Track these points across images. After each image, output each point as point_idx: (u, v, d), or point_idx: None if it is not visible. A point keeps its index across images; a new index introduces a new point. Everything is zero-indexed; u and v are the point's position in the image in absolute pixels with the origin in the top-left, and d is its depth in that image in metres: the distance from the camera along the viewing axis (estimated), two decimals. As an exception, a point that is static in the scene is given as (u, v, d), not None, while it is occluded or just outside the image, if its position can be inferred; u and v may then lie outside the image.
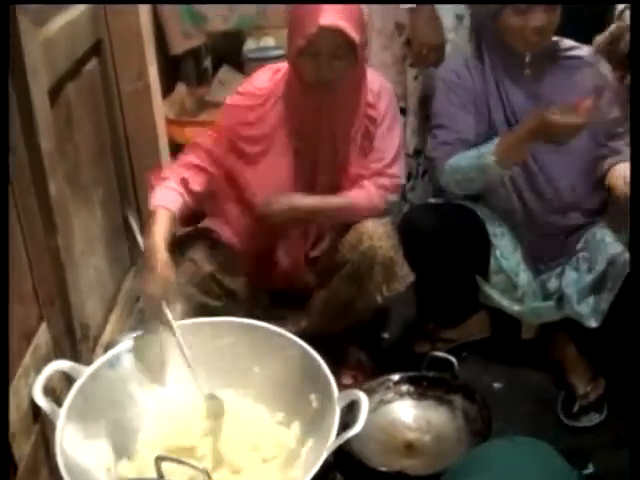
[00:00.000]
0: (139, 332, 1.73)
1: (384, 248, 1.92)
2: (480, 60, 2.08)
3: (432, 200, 2.31)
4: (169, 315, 1.70)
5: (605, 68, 2.09)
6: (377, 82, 2.00)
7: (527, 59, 2.01)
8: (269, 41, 3.64)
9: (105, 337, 1.95)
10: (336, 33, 1.79)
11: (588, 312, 1.98)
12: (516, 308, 2.11)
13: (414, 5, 2.22)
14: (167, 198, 1.87)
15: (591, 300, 1.98)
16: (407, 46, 2.36)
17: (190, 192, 1.93)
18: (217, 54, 3.72)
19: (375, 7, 2.38)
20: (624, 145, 2.02)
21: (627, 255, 1.90)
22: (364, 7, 2.00)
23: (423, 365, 2.03)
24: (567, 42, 2.11)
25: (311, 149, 1.98)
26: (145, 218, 2.06)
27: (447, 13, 2.31)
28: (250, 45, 3.87)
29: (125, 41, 2.15)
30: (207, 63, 3.69)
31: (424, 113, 2.42)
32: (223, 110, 2.05)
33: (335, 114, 1.94)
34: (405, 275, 1.96)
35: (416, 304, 2.28)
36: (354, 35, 1.80)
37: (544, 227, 2.11)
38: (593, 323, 1.97)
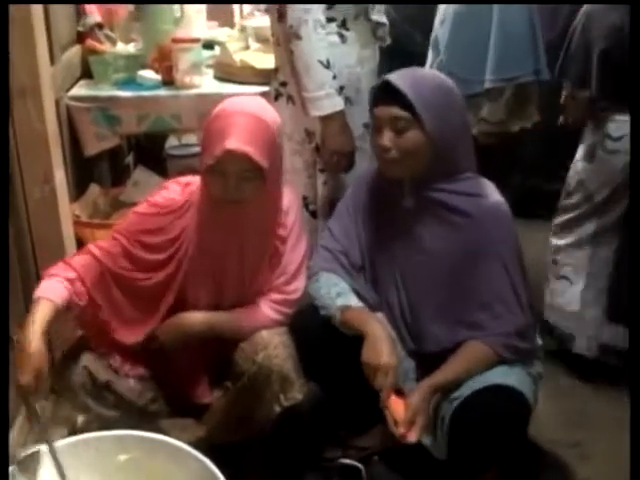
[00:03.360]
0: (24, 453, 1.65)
1: (280, 357, 1.91)
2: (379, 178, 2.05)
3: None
4: (38, 410, 1.65)
5: (498, 228, 1.91)
6: (286, 199, 2.02)
7: (406, 188, 1.95)
8: (191, 138, 3.70)
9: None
10: (242, 157, 1.79)
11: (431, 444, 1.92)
12: None
13: (329, 111, 2.28)
14: (50, 289, 1.81)
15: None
16: (316, 152, 2.42)
17: (80, 288, 1.87)
18: (139, 151, 3.77)
19: (286, 115, 2.43)
20: (490, 319, 1.88)
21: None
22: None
23: (332, 472, 2.00)
24: (473, 185, 1.94)
25: (218, 264, 1.98)
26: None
27: (356, 122, 2.37)
28: (172, 142, 3.93)
29: (31, 146, 2.14)
30: (129, 160, 3.73)
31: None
32: (129, 217, 2.02)
33: (244, 232, 1.95)
34: (304, 383, 1.94)
35: (326, 410, 2.25)
36: (261, 160, 1.80)
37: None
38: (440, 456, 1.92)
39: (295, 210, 2.04)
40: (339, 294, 1.97)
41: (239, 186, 1.84)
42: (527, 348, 1.92)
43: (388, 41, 2.48)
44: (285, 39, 2.31)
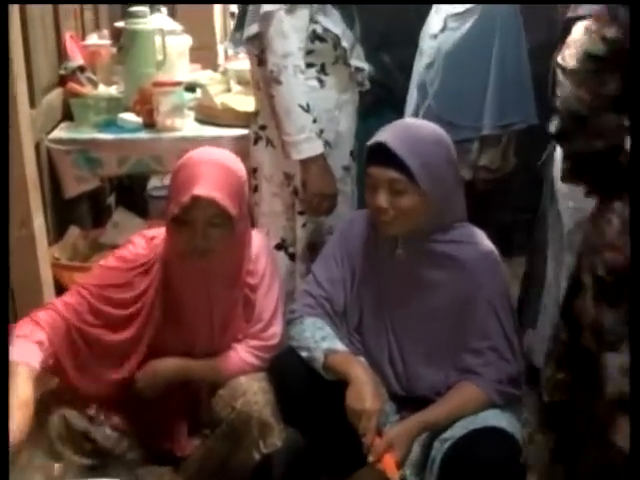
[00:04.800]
0: None
1: (259, 403, 1.89)
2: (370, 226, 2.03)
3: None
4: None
5: (490, 276, 1.92)
6: (255, 245, 2.01)
7: (399, 240, 1.95)
8: (172, 178, 3.70)
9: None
10: (210, 203, 1.79)
11: None
12: None
13: (309, 155, 2.30)
14: (27, 353, 1.76)
15: None
16: (295, 195, 2.43)
17: (49, 349, 1.83)
18: (121, 191, 3.76)
19: (265, 158, 2.44)
20: (482, 366, 1.88)
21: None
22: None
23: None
24: (464, 234, 1.96)
25: (187, 318, 1.96)
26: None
27: (335, 165, 2.40)
28: (154, 183, 3.94)
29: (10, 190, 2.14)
30: (111, 200, 3.72)
31: (312, 260, 2.45)
32: (95, 271, 2.00)
33: (212, 284, 1.94)
34: (283, 429, 1.92)
35: (307, 455, 2.23)
36: (229, 206, 1.80)
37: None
38: None
39: (265, 256, 2.03)
40: (324, 338, 1.95)
41: (207, 235, 1.83)
42: (517, 394, 1.93)
43: (367, 86, 2.51)
44: (265, 83, 2.34)
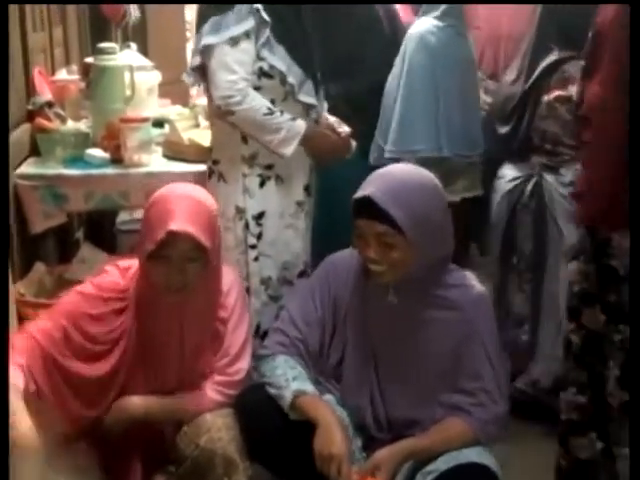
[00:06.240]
0: None
1: (223, 440, 1.88)
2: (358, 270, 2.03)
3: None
4: None
5: (483, 319, 1.96)
6: (227, 279, 2.02)
7: (391, 285, 1.94)
8: (142, 213, 3.69)
9: None
10: (186, 238, 1.81)
11: None
12: None
13: (297, 141, 2.35)
14: (15, 376, 1.76)
15: None
16: (247, 229, 2.45)
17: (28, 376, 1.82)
18: (90, 226, 3.75)
19: (217, 192, 2.45)
20: (472, 405, 1.92)
21: None
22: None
23: None
24: (456, 277, 1.99)
25: (159, 351, 1.97)
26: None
27: (288, 200, 2.46)
28: (123, 217, 3.93)
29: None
30: (79, 235, 3.70)
31: (265, 294, 2.48)
32: (71, 296, 2.00)
33: (185, 317, 1.94)
34: (248, 466, 1.91)
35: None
36: (204, 239, 1.83)
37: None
38: None
39: (236, 290, 2.05)
40: (295, 378, 1.96)
41: (183, 269, 1.85)
42: (500, 434, 1.96)
43: (324, 122, 2.53)
44: (218, 116, 2.38)
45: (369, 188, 1.89)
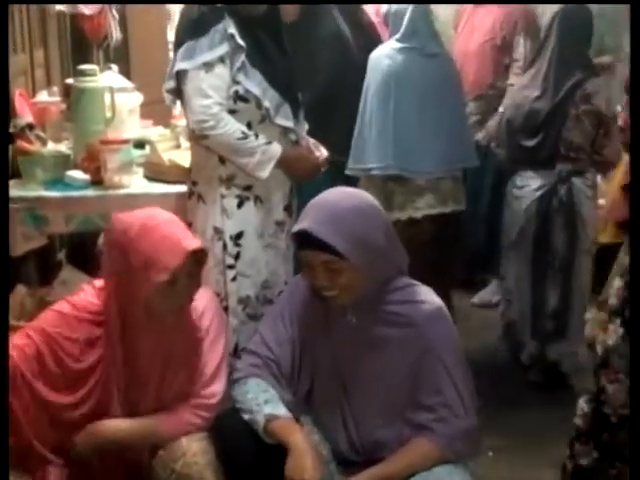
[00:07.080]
0: None
1: (199, 464, 1.88)
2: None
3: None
4: None
5: (439, 333, 1.96)
6: (202, 300, 2.03)
7: (348, 306, 1.96)
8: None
9: None
10: (200, 252, 1.90)
11: None
12: None
13: (273, 164, 2.38)
14: None
15: None
16: (224, 249, 2.45)
17: None
18: (72, 247, 3.74)
19: (196, 213, 2.48)
20: (434, 421, 1.91)
21: None
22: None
23: None
24: (409, 292, 1.99)
25: (137, 374, 1.96)
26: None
27: (268, 220, 2.48)
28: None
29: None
30: (61, 256, 3.69)
31: (244, 313, 2.48)
32: (46, 314, 2.00)
33: (165, 339, 1.95)
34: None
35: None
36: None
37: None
38: None
39: (212, 312, 2.05)
40: (267, 401, 1.95)
41: (187, 286, 1.91)
42: (471, 450, 1.95)
43: (304, 143, 2.54)
44: (193, 139, 2.42)
45: (305, 221, 1.91)
